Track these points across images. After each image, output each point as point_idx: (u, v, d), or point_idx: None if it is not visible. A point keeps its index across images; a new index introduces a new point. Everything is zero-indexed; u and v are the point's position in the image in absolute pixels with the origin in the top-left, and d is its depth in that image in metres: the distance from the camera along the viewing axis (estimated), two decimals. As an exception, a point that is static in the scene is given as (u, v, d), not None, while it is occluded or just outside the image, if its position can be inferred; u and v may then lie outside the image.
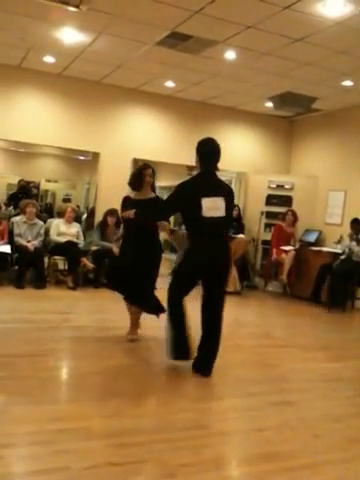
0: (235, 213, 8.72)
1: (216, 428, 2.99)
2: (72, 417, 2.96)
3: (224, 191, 4.02)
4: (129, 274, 4.61)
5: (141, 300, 4.70)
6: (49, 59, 7.30)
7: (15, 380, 3.47)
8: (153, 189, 4.92)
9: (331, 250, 7.96)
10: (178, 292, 3.95)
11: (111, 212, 7.78)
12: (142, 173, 4.79)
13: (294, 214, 8.38)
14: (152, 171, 4.82)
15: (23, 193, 9.92)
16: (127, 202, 4.78)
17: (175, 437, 2.81)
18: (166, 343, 3.98)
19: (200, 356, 3.91)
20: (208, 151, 4.13)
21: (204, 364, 3.90)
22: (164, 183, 14.01)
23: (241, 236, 8.20)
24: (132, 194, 4.86)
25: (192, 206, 3.81)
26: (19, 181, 10.52)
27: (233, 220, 4.44)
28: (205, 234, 3.83)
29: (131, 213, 4.27)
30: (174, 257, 10.51)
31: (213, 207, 3.83)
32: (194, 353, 3.93)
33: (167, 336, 3.96)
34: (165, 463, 2.50)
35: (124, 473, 2.41)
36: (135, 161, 8.71)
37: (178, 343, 3.91)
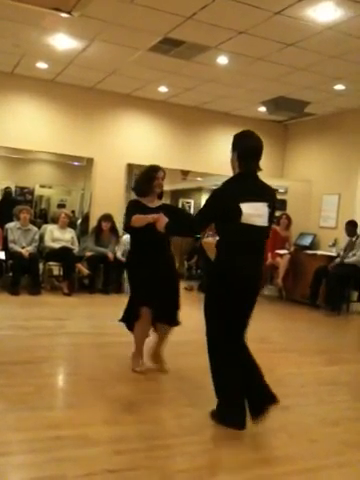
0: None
1: (212, 434, 2.99)
2: (68, 424, 2.95)
3: (269, 196, 3.29)
4: (160, 290, 3.96)
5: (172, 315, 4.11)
6: (42, 65, 7.32)
7: (11, 387, 3.46)
8: (160, 196, 4.24)
9: (326, 253, 7.99)
10: (224, 329, 3.15)
11: (106, 217, 7.79)
12: (153, 176, 4.08)
13: (288, 218, 8.41)
14: (164, 174, 4.16)
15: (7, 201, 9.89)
16: (137, 207, 3.95)
17: (171, 443, 2.80)
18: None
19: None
20: (251, 147, 3.35)
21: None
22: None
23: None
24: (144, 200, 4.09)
25: (230, 213, 3.06)
26: (6, 188, 10.49)
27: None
28: (243, 246, 3.10)
29: (161, 220, 3.40)
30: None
31: (255, 214, 3.11)
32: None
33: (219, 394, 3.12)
34: (162, 469, 2.50)
35: (121, 480, 2.40)
36: (129, 166, 8.73)
37: (232, 405, 3.03)
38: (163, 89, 8.03)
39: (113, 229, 7.93)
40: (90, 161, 8.49)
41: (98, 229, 7.80)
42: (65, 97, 8.16)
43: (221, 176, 9.86)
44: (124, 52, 6.45)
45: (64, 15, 5.30)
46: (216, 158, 9.23)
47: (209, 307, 3.24)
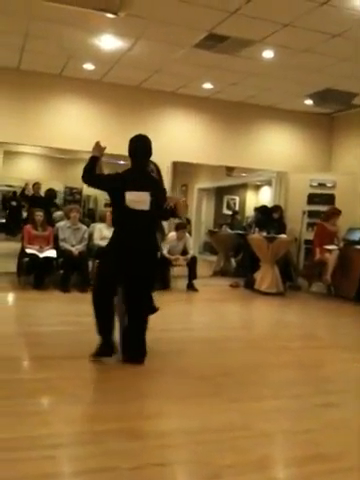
0: (276, 215, 8.66)
1: (259, 429, 2.97)
2: (119, 417, 3.00)
3: (151, 186, 4.02)
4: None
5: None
6: (89, 66, 7.45)
7: (62, 381, 3.54)
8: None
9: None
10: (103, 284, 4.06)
11: (172, 217, 7.84)
12: None
13: (337, 212, 8.22)
14: (155, 167, 4.59)
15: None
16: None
17: (219, 438, 2.81)
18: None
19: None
20: (136, 147, 4.14)
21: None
22: (203, 185, 14.06)
23: (283, 236, 8.11)
24: None
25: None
26: (34, 185, 10.81)
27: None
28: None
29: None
30: (214, 258, 10.53)
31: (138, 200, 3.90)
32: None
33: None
34: (210, 464, 2.51)
35: (170, 474, 2.43)
36: (174, 164, 8.77)
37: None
38: (208, 85, 8.02)
39: (159, 226, 7.98)
40: (135, 159, 8.55)
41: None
42: (111, 97, 8.28)
43: (266, 171, 9.85)
44: (169, 50, 6.49)
45: (110, 16, 5.38)
46: (261, 153, 9.16)
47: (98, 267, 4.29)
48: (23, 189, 10.88)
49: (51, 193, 10.55)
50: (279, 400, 3.50)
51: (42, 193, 10.30)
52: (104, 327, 3.99)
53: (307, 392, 3.67)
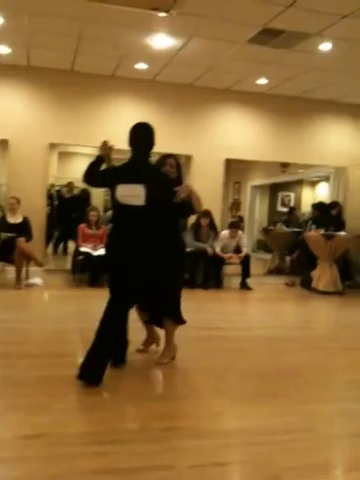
0: (334, 211, 8.42)
1: (323, 432, 2.88)
2: (178, 415, 3.00)
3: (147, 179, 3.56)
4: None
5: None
6: (141, 66, 7.49)
7: (120, 378, 3.56)
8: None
9: None
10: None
11: (205, 213, 7.82)
12: (162, 163, 3.97)
13: None
14: (175, 161, 4.05)
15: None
16: None
17: (280, 439, 2.74)
18: None
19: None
20: (131, 138, 3.80)
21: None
22: (257, 182, 13.88)
23: (342, 234, 7.88)
24: None
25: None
26: (68, 184, 11.06)
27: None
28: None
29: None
30: (269, 256, 10.37)
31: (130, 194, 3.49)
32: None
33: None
34: (271, 465, 2.45)
35: (229, 473, 2.40)
36: (227, 162, 8.70)
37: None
38: (262, 81, 7.89)
39: (212, 224, 7.96)
40: (189, 158, 8.55)
41: (197, 225, 7.86)
42: (164, 96, 8.29)
43: (323, 167, 9.60)
44: (222, 46, 6.43)
45: (162, 14, 5.39)
46: (318, 148, 8.95)
47: None
48: (58, 190, 11.27)
49: (84, 193, 10.78)
50: (342, 403, 3.38)
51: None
52: (110, 347, 3.49)
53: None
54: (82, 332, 4.75)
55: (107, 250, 3.75)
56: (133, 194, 3.48)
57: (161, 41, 6.37)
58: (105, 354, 3.41)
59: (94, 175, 3.68)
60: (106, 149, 3.76)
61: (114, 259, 3.59)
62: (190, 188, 3.73)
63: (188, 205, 3.70)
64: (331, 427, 2.95)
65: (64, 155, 12.53)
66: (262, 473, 2.41)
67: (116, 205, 3.57)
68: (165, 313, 3.88)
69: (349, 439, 2.85)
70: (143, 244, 3.49)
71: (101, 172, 3.71)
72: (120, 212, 3.59)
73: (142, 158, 3.68)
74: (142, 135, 3.77)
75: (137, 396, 3.25)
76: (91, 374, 3.32)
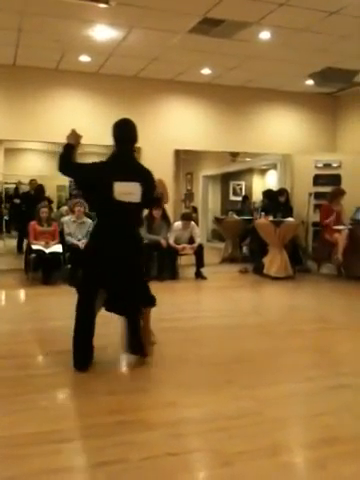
0: (282, 198, 8.58)
1: (272, 415, 2.95)
2: (129, 408, 3.00)
3: (141, 176, 3.73)
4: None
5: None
6: (85, 58, 7.39)
7: (75, 375, 3.54)
8: None
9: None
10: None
11: (158, 205, 7.83)
12: None
13: (341, 192, 8.14)
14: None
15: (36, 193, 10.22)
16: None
17: (230, 425, 2.79)
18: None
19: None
20: (123, 131, 3.85)
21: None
22: (208, 172, 13.97)
23: (290, 220, 8.05)
24: None
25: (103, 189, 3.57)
26: (31, 181, 10.82)
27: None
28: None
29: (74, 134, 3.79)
30: (222, 246, 10.48)
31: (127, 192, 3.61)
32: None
33: None
34: (221, 451, 2.49)
35: (182, 463, 2.42)
36: (177, 153, 8.72)
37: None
38: (206, 71, 7.93)
39: (164, 216, 7.97)
40: (138, 150, 8.44)
41: (149, 217, 7.85)
42: (109, 88, 8.22)
43: (270, 155, 9.75)
44: (164, 37, 6.41)
45: (102, 5, 5.33)
46: (265, 136, 9.08)
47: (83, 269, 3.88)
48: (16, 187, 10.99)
49: (39, 189, 10.57)
50: (292, 384, 3.47)
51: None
52: (86, 335, 3.74)
53: (320, 375, 3.64)
54: (35, 332, 4.69)
55: (95, 245, 3.72)
56: (130, 192, 3.62)
57: (102, 33, 6.30)
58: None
59: (71, 165, 3.68)
60: (77, 137, 3.79)
61: (106, 254, 3.62)
62: (164, 182, 3.96)
63: (158, 199, 3.98)
64: (281, 410, 3.03)
65: (11, 151, 12.24)
66: (213, 460, 2.45)
67: (108, 201, 3.59)
68: (141, 300, 3.90)
69: (298, 420, 2.93)
70: (134, 239, 3.76)
71: (81, 165, 3.77)
72: (112, 208, 3.62)
73: (129, 153, 3.79)
74: (127, 129, 3.83)
75: (90, 391, 3.24)
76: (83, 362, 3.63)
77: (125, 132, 3.81)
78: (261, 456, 2.45)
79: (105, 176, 3.59)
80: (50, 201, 9.89)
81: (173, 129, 8.60)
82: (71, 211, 7.67)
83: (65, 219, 7.55)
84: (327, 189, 8.49)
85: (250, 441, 2.60)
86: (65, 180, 13.86)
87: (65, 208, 9.34)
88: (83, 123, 8.10)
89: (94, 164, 3.74)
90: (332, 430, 2.75)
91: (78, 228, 7.44)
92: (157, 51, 7.00)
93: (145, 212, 8.00)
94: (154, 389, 3.33)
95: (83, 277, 3.87)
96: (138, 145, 9.06)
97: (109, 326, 4.07)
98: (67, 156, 3.68)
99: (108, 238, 3.63)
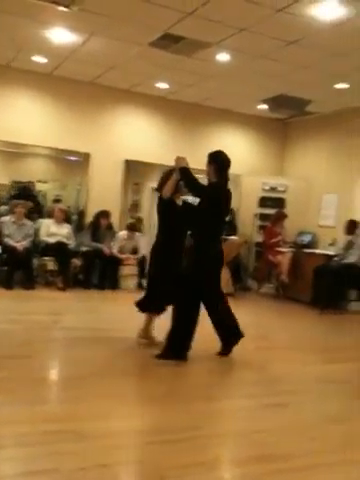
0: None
1: (211, 430, 2.95)
2: (64, 418, 2.92)
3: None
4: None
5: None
6: (39, 59, 7.26)
7: (6, 381, 3.42)
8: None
9: (325, 252, 7.96)
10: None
11: (104, 214, 7.78)
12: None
13: (283, 215, 8.41)
14: None
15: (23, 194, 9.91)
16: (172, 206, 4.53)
17: (168, 439, 2.76)
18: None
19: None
20: (227, 160, 4.39)
21: None
22: (156, 184, 13.97)
23: (234, 238, 8.18)
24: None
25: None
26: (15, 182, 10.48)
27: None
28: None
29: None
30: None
31: None
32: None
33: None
34: (157, 465, 2.46)
35: (114, 474, 2.37)
36: (127, 162, 8.69)
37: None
38: (163, 85, 7.98)
39: (110, 225, 7.91)
40: (87, 156, 8.42)
41: (95, 225, 7.77)
42: (63, 91, 8.10)
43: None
44: (124, 47, 6.40)
45: (62, 9, 5.26)
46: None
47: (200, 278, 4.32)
48: None
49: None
50: (231, 400, 3.51)
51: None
52: (193, 330, 4.23)
53: (259, 393, 3.69)
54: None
55: (217, 254, 4.32)
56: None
57: (61, 36, 6.21)
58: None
59: (204, 186, 4.33)
60: (184, 159, 4.35)
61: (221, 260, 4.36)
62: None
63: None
64: (218, 425, 3.04)
65: None
66: (147, 474, 2.42)
67: (221, 222, 4.44)
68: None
69: (234, 436, 2.95)
70: None
71: (221, 187, 4.32)
72: (218, 229, 4.39)
73: (227, 179, 4.39)
74: (228, 159, 4.41)
75: (24, 400, 3.13)
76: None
77: (227, 160, 4.38)
78: (196, 471, 2.43)
79: (228, 198, 4.34)
80: None
81: (125, 139, 8.58)
82: (12, 212, 7.48)
83: (5, 219, 7.33)
84: (272, 211, 8.72)
85: (186, 455, 2.58)
86: (5, 179, 13.47)
87: (5, 208, 9.06)
88: (32, 123, 7.99)
89: (221, 186, 4.30)
90: (267, 447, 2.78)
91: (18, 230, 7.25)
92: (115, 60, 6.99)
93: (91, 219, 7.97)
94: (90, 399, 3.25)
95: (204, 280, 4.29)
96: (88, 152, 9.11)
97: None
98: (195, 178, 4.26)
99: (220, 248, 4.33)
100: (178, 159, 4.34)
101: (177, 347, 4.15)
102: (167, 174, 4.54)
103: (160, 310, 4.56)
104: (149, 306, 4.57)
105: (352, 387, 4.14)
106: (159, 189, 4.61)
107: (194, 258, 4.28)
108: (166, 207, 4.48)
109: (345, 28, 5.16)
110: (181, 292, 4.22)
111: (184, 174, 4.23)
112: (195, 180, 4.24)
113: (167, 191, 4.40)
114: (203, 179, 4.51)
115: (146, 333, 4.64)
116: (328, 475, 2.56)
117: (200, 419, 3.09)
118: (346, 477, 2.55)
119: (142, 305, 4.59)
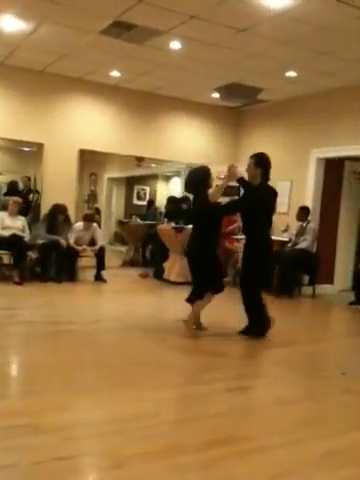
0: (185, 205, 8.76)
1: (168, 416, 3.00)
2: (20, 412, 2.90)
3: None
4: None
5: None
6: (-12, 48, 7.06)
7: None
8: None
9: (278, 238, 8.12)
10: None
11: (61, 209, 7.67)
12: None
13: None
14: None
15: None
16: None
17: (126, 427, 2.79)
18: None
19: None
20: (269, 163, 5.08)
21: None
22: (113, 174, 13.91)
23: (190, 227, 8.20)
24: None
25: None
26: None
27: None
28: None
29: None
30: (124, 249, 10.47)
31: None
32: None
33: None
34: (114, 454, 2.48)
35: (72, 467, 2.38)
36: (81, 152, 8.59)
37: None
38: (115, 73, 7.90)
39: (66, 217, 7.82)
40: (40, 146, 8.28)
41: (52, 218, 7.65)
42: (14, 80, 7.91)
43: (176, 163, 9.91)
44: (75, 35, 6.30)
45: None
46: (171, 144, 9.21)
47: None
48: None
49: None
50: (188, 386, 3.56)
51: None
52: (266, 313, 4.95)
53: (216, 378, 3.75)
54: None
55: (269, 247, 5.06)
56: None
57: (10, 23, 6.05)
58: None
59: (253, 187, 5.07)
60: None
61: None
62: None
63: None
64: (177, 411, 3.10)
65: None
66: (105, 463, 2.44)
67: (268, 220, 5.12)
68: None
69: (193, 421, 2.99)
70: None
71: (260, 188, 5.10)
72: (268, 224, 5.19)
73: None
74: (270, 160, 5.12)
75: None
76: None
77: (270, 162, 5.07)
78: (154, 458, 2.48)
79: (275, 196, 5.08)
80: None
81: (79, 128, 8.47)
82: (3, 207, 7.35)
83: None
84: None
85: (145, 443, 2.62)
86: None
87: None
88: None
89: (269, 188, 5.06)
90: (224, 431, 2.85)
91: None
92: (67, 48, 6.87)
93: (46, 211, 7.85)
94: (47, 392, 3.24)
95: (264, 271, 5.22)
96: (41, 142, 8.94)
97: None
98: (250, 183, 4.99)
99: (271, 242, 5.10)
100: (231, 167, 4.89)
101: (262, 327, 4.90)
102: (194, 174, 5.24)
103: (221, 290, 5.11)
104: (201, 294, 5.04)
105: (305, 369, 4.29)
106: (190, 189, 5.28)
107: (254, 250, 4.92)
108: (212, 209, 4.97)
109: (294, 16, 5.21)
110: (253, 281, 4.98)
111: (243, 183, 4.95)
112: (251, 185, 4.91)
113: (215, 196, 4.90)
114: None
115: (198, 320, 5.13)
116: (282, 456, 2.63)
117: (159, 406, 3.13)
118: (301, 456, 2.63)
119: (196, 295, 5.09)
